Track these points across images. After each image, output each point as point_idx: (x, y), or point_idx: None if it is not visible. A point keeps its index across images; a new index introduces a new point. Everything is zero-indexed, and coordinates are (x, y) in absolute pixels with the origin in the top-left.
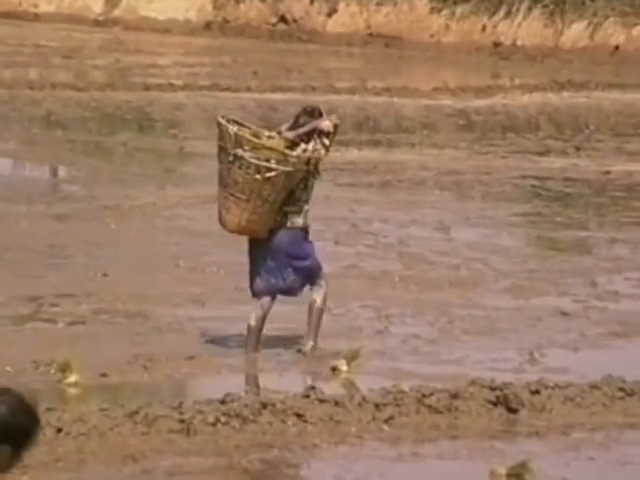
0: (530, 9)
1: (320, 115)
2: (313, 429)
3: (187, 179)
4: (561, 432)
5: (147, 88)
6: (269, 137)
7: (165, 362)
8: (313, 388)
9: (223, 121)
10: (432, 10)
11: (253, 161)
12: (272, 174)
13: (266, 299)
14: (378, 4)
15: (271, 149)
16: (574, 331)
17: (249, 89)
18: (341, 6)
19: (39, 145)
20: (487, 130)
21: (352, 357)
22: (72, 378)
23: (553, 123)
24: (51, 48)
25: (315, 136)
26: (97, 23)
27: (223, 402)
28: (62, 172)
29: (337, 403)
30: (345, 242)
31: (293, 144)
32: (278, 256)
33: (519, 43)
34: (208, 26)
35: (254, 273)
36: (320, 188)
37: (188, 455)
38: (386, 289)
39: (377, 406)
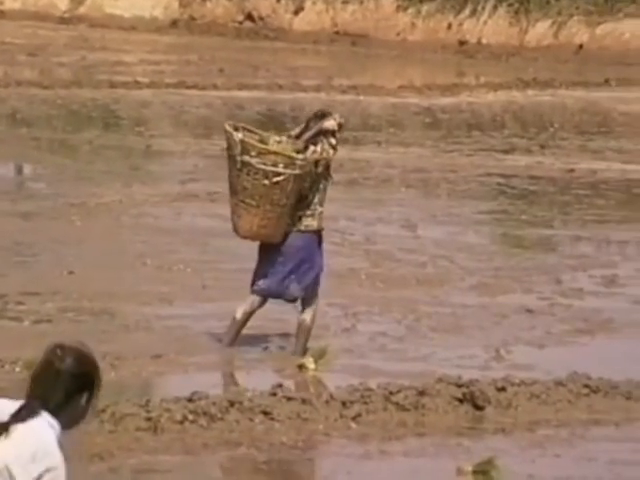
0: (495, 8)
1: (328, 117)
2: (280, 427)
3: (154, 177)
4: (527, 429)
5: (113, 86)
6: (278, 142)
7: (132, 360)
8: (280, 386)
9: (229, 129)
10: (398, 8)
11: (260, 167)
12: (280, 178)
13: (258, 298)
14: (344, 2)
15: (277, 153)
16: (539, 328)
17: (215, 87)
18: (307, 4)
19: (4, 143)
20: (453, 128)
21: (319, 355)
22: None
23: (518, 121)
24: (16, 45)
25: (322, 137)
26: (63, 20)
27: (190, 400)
28: (27, 170)
29: (304, 401)
30: None
31: (303, 147)
32: (288, 260)
33: (484, 41)
34: (174, 24)
35: (260, 273)
36: None
37: (155, 453)
38: (353, 287)
39: (344, 404)
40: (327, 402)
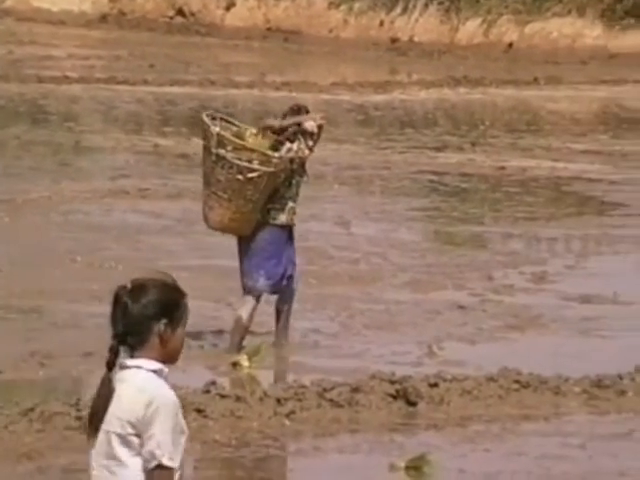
0: (426, 6)
1: (307, 113)
2: (214, 425)
3: (83, 173)
4: (458, 424)
5: (41, 80)
6: (254, 134)
7: (62, 358)
8: (214, 383)
9: (207, 120)
10: (330, 5)
11: (235, 162)
12: (254, 175)
13: (250, 297)
14: None
15: (253, 150)
16: (471, 324)
17: (146, 82)
18: (239, 0)
19: None
20: (386, 125)
21: (253, 352)
22: None
23: (450, 119)
24: None
25: (299, 136)
26: None
27: None
28: None
29: (238, 398)
30: None
31: (278, 143)
32: (254, 256)
33: (416, 39)
34: (104, 18)
35: (241, 271)
36: None
37: (85, 452)
38: None
39: (278, 401)
40: (261, 399)
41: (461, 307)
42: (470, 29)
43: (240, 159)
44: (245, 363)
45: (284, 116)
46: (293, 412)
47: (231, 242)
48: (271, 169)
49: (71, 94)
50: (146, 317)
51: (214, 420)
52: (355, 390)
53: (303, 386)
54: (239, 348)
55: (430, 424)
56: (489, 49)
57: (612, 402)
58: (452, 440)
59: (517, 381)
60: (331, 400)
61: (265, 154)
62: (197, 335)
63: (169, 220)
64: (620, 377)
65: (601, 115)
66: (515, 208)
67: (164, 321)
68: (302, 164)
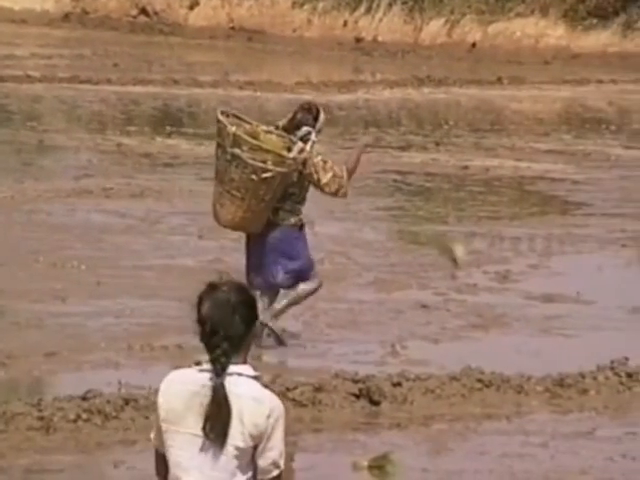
0: (390, 5)
1: (317, 112)
2: None
3: (46, 172)
4: (421, 423)
5: (3, 80)
6: (267, 132)
7: (24, 358)
8: None
9: (222, 118)
10: (294, 5)
11: (250, 162)
12: (268, 175)
13: (265, 295)
14: None
15: (268, 151)
16: (434, 323)
17: (110, 81)
18: None
19: None
20: (350, 125)
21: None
22: None
23: (414, 118)
24: None
25: (310, 137)
26: None
27: (84, 399)
28: None
29: None
30: (209, 236)
31: (291, 142)
32: (270, 253)
33: (380, 39)
34: (66, 17)
35: (249, 269)
36: (184, 182)
37: (48, 453)
38: None
39: None
40: None
41: (425, 306)
42: (434, 29)
43: (255, 159)
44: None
45: (294, 115)
46: None
47: (194, 242)
48: (284, 170)
49: (34, 93)
50: (251, 319)
51: None
52: (318, 389)
53: (266, 385)
54: (276, 317)
55: (393, 423)
56: (453, 49)
57: (574, 401)
58: (415, 439)
59: (480, 380)
60: (294, 399)
61: (280, 155)
62: (161, 335)
63: (133, 219)
64: (582, 376)
65: (564, 115)
66: (479, 207)
67: (256, 323)
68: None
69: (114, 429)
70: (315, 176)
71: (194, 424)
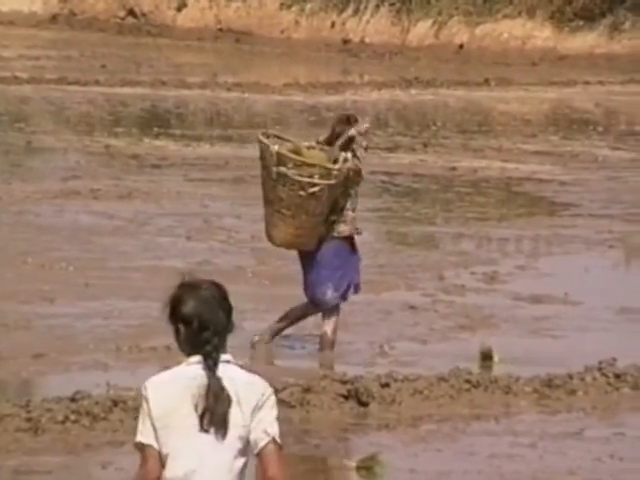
0: (378, 7)
1: (355, 121)
2: None
3: (34, 174)
4: (410, 424)
5: None
6: (309, 147)
7: (12, 360)
8: None
9: (264, 139)
10: (282, 6)
11: (296, 178)
12: (316, 189)
13: (332, 306)
14: None
15: (313, 165)
16: (422, 324)
17: (97, 83)
18: (190, 0)
19: None
20: None
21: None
22: None
23: (401, 120)
24: None
25: (353, 145)
26: None
27: (73, 400)
28: None
29: None
30: (197, 238)
31: (333, 154)
32: (324, 266)
33: (367, 40)
34: (54, 19)
35: (305, 282)
36: (171, 184)
37: (36, 454)
38: (239, 285)
39: None
40: None
41: (413, 307)
42: (421, 30)
43: (301, 175)
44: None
45: (333, 127)
46: None
47: (182, 243)
48: (331, 181)
49: (21, 95)
50: (230, 311)
51: None
52: (307, 390)
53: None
54: (331, 361)
55: (381, 424)
56: (440, 50)
57: (562, 401)
58: (403, 440)
59: (468, 381)
60: (283, 400)
61: (325, 167)
62: (149, 336)
63: (121, 221)
64: (570, 377)
65: (551, 116)
66: (466, 208)
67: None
68: (358, 172)
69: (102, 430)
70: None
71: (190, 415)
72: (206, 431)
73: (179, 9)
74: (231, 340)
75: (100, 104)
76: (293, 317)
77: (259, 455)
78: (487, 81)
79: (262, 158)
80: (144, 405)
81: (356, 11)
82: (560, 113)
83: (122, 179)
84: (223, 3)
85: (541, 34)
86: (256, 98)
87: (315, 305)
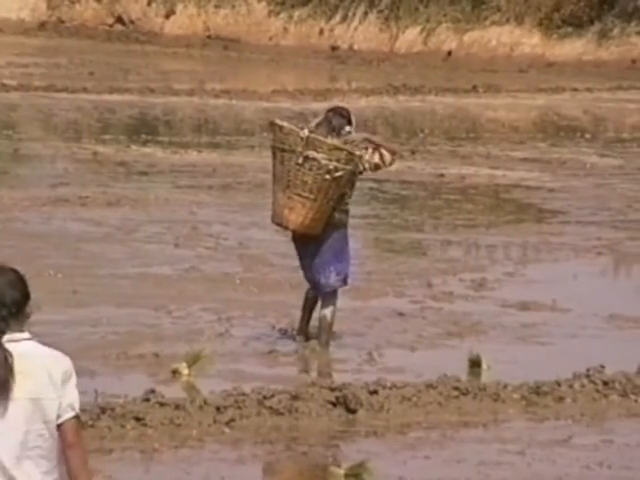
0: (366, 14)
1: (349, 115)
2: (153, 433)
3: (22, 181)
4: (398, 431)
5: None
6: (310, 131)
7: None
8: (153, 392)
9: (286, 124)
10: (270, 13)
11: (324, 162)
12: (340, 174)
13: (332, 292)
14: (216, 6)
15: (342, 149)
16: (411, 331)
17: (86, 90)
18: (179, 8)
19: None
20: None
21: (193, 360)
22: None
23: (389, 127)
24: None
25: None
26: None
27: None
28: None
29: (177, 406)
30: (185, 244)
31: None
32: (324, 254)
33: (355, 47)
34: (42, 26)
35: (304, 267)
36: (160, 191)
37: None
38: (227, 291)
39: (218, 409)
40: (201, 407)
41: (401, 314)
42: (409, 37)
43: (330, 159)
44: (185, 371)
45: (327, 120)
46: (233, 420)
47: (170, 250)
48: (352, 168)
49: (9, 102)
50: (27, 295)
51: (153, 428)
52: (295, 398)
53: (243, 394)
54: (328, 345)
55: (370, 431)
56: (428, 57)
57: (550, 409)
58: (392, 447)
59: (456, 388)
60: (271, 408)
61: (351, 152)
62: (136, 343)
63: (109, 228)
64: (558, 384)
65: (539, 123)
66: (454, 215)
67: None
68: (377, 165)
69: (90, 438)
70: (368, 164)
71: None
72: None
73: (167, 16)
74: (220, 346)
75: (88, 111)
76: (308, 308)
77: (61, 425)
78: (475, 88)
79: (281, 142)
80: None
81: (344, 18)
82: (548, 120)
83: (110, 186)
84: (211, 10)
85: (529, 41)
86: (244, 105)
87: (317, 289)
